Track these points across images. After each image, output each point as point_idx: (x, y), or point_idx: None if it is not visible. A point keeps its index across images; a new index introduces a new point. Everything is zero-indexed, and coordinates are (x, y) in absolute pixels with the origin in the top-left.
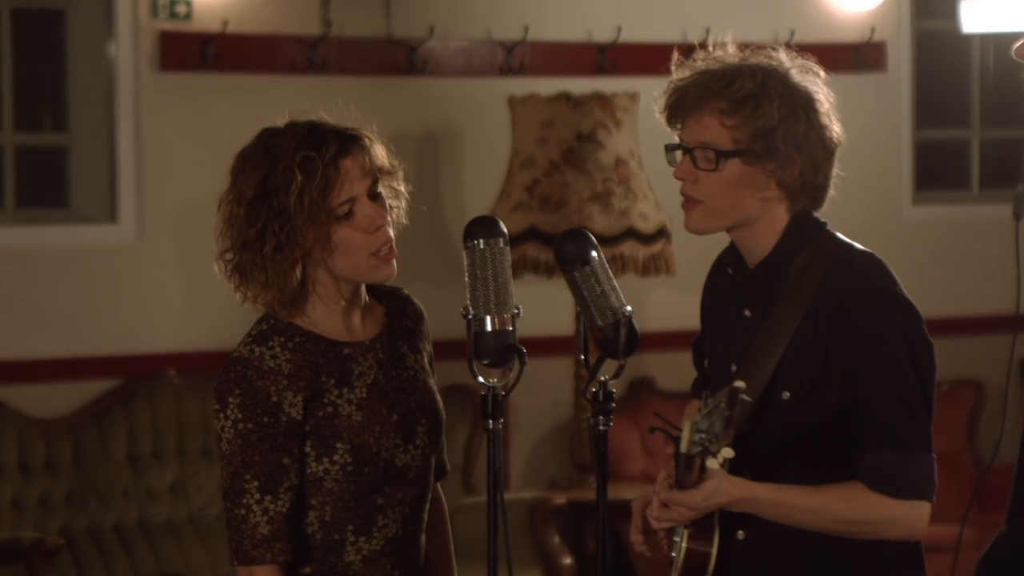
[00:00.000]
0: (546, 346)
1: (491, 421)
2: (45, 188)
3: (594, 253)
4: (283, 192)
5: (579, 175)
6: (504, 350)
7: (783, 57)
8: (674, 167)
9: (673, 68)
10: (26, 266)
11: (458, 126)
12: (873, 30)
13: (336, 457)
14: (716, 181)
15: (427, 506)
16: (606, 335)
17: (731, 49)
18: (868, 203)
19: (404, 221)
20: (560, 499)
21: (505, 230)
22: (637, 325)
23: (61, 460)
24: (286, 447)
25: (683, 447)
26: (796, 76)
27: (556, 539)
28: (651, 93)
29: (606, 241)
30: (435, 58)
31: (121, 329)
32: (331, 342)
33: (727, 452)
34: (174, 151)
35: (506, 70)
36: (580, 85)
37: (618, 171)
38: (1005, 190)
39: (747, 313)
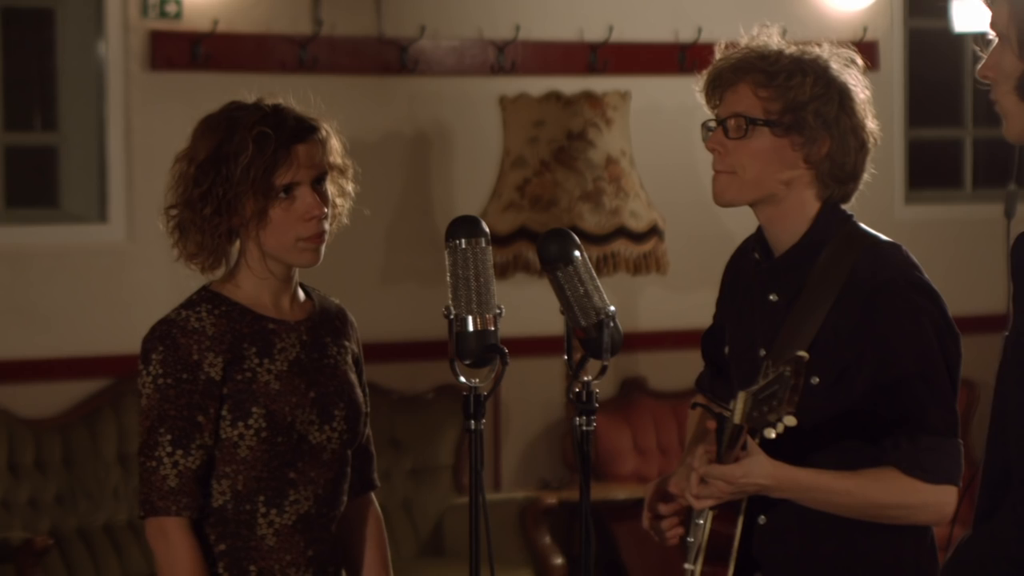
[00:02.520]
0: (537, 346)
1: (473, 422)
2: (35, 188)
3: (577, 253)
4: (233, 160)
5: (570, 174)
6: (486, 350)
7: (824, 50)
8: (704, 140)
9: (717, 51)
10: (16, 266)
11: (449, 125)
12: (865, 29)
13: (251, 422)
14: (745, 150)
15: (343, 496)
16: (589, 335)
17: (775, 37)
18: (860, 202)
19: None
20: (551, 499)
21: (487, 230)
22: (627, 325)
23: (51, 460)
24: (202, 405)
25: (737, 418)
26: (835, 68)
27: (547, 539)
28: (643, 91)
29: (597, 240)
30: (426, 57)
31: (111, 329)
32: (257, 315)
33: (790, 420)
34: (164, 151)
35: (497, 69)
36: (572, 84)
37: (609, 170)
38: (998, 189)
39: (773, 298)
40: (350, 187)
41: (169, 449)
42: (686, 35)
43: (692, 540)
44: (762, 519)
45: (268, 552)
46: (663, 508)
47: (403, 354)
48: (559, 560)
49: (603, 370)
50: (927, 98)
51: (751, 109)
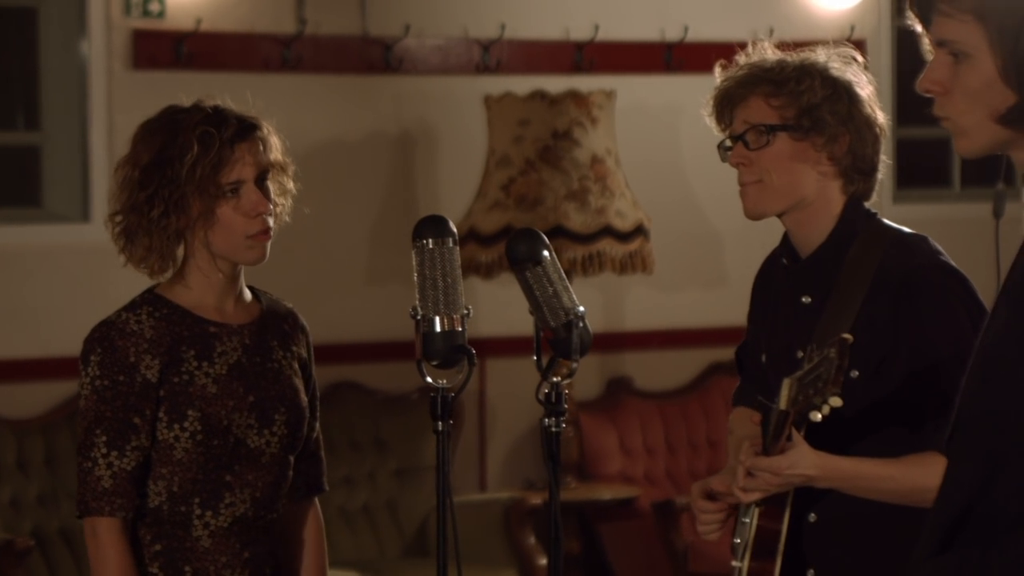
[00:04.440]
0: (522, 345)
1: (440, 423)
2: (17, 187)
3: (546, 253)
4: (178, 161)
5: (555, 173)
6: (453, 351)
7: (821, 53)
8: (723, 160)
9: (717, 72)
10: None
11: (434, 125)
12: (853, 28)
13: (186, 424)
14: (770, 157)
15: (282, 497)
16: (558, 335)
17: (769, 49)
18: None
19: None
20: (536, 499)
21: (455, 230)
22: (613, 324)
23: (33, 460)
24: (138, 407)
25: (782, 404)
26: (837, 67)
27: (532, 539)
28: (629, 90)
29: (582, 239)
30: (411, 56)
31: None
32: (198, 318)
33: (835, 401)
34: None
35: (483, 68)
36: (558, 83)
37: (594, 169)
38: (986, 188)
39: (806, 300)
40: (291, 185)
41: (104, 450)
42: (672, 34)
43: (739, 541)
44: (812, 517)
45: (203, 553)
46: (707, 505)
47: (388, 354)
48: (544, 560)
49: (572, 371)
50: (915, 97)
51: (767, 118)
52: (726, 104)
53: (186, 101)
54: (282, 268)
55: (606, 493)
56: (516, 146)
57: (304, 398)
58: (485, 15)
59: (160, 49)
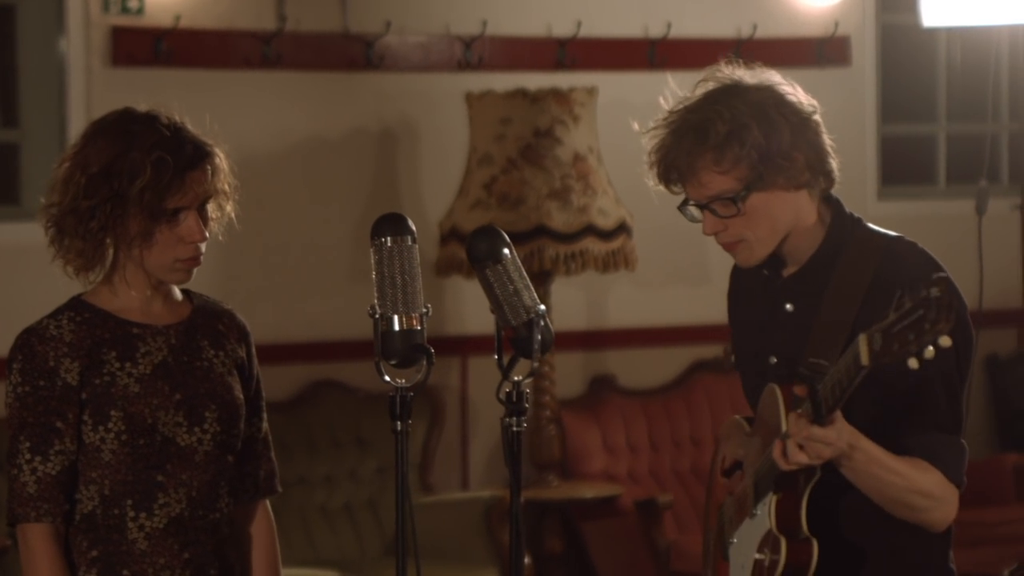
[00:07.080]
0: (505, 344)
1: (399, 423)
2: None
3: (506, 251)
4: (127, 179)
5: (537, 172)
6: (412, 350)
7: (729, 71)
8: (691, 221)
9: (644, 133)
10: None
11: (415, 122)
12: (837, 24)
13: (110, 425)
14: (744, 220)
15: (223, 498)
16: (519, 334)
17: (673, 86)
18: None
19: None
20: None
21: (414, 228)
22: (597, 322)
23: None
24: (59, 411)
25: (864, 359)
26: (752, 82)
27: None
28: (612, 87)
29: (565, 238)
30: (392, 53)
31: None
32: (121, 321)
33: (945, 340)
34: None
35: (464, 65)
36: (540, 80)
37: (576, 167)
38: (970, 185)
39: (789, 308)
40: (229, 207)
41: (28, 456)
42: (656, 30)
43: (735, 541)
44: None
45: (140, 556)
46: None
47: (370, 352)
48: (525, 559)
49: (534, 370)
50: (900, 94)
51: (725, 187)
52: (673, 177)
53: (143, 105)
54: (265, 266)
55: (589, 491)
56: (498, 144)
57: (239, 395)
58: (467, 12)
59: (139, 46)
